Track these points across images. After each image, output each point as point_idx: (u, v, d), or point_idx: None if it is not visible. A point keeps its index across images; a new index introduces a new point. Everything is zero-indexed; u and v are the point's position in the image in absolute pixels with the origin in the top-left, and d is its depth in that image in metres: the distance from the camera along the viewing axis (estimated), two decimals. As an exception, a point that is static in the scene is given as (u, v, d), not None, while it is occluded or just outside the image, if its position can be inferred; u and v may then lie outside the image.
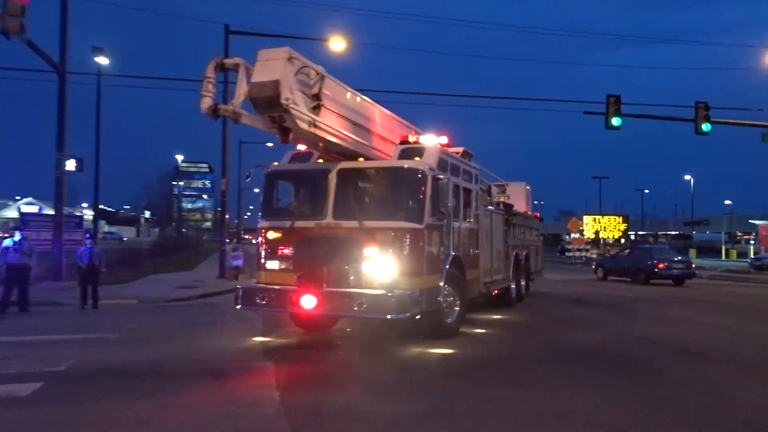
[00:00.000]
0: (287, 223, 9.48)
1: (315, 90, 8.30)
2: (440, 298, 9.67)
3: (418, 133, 11.37)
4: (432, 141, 10.44)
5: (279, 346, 9.29)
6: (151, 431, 5.27)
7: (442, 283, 9.69)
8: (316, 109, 8.32)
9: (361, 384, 7.06)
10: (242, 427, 5.37)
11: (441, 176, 9.45)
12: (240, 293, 9.22)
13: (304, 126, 8.04)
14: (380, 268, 8.79)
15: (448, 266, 9.93)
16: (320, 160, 10.07)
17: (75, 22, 20.20)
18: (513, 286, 15.54)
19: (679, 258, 26.50)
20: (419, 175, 9.27)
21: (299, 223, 9.44)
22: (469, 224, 11.52)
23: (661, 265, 24.95)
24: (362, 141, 9.48)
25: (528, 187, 20.42)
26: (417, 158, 9.64)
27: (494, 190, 18.36)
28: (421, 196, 9.17)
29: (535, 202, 21.92)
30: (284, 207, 10.01)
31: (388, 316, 8.52)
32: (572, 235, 53.95)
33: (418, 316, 9.43)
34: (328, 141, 8.85)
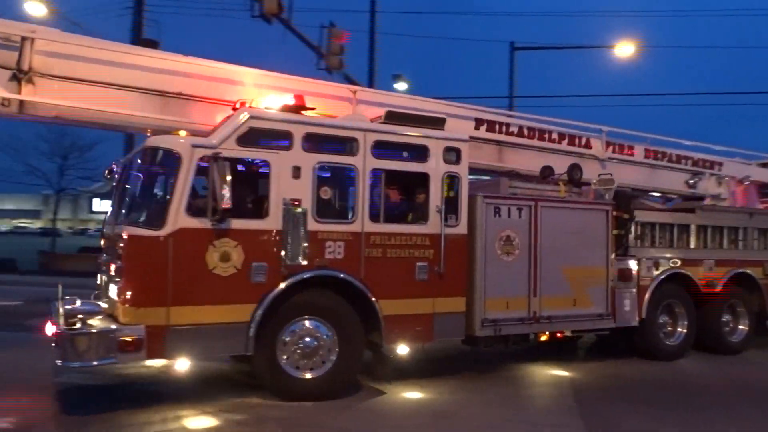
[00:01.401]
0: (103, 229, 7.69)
1: (16, 57, 6.44)
2: (251, 337, 6.34)
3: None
4: (275, 102, 6.99)
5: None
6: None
7: (250, 318, 6.34)
8: (20, 81, 6.44)
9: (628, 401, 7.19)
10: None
11: (225, 155, 6.14)
12: None
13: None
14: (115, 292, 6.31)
15: (276, 293, 6.45)
16: None
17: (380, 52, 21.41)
18: (668, 328, 9.41)
19: None
20: (169, 157, 6.25)
21: (107, 229, 7.52)
22: (413, 227, 7.31)
23: None
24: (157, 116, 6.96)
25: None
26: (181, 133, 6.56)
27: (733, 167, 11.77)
28: (173, 187, 6.16)
29: None
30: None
31: (74, 364, 5.95)
32: None
33: (185, 363, 6.42)
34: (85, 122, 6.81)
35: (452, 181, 7.56)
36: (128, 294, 6.05)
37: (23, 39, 6.47)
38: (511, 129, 9.49)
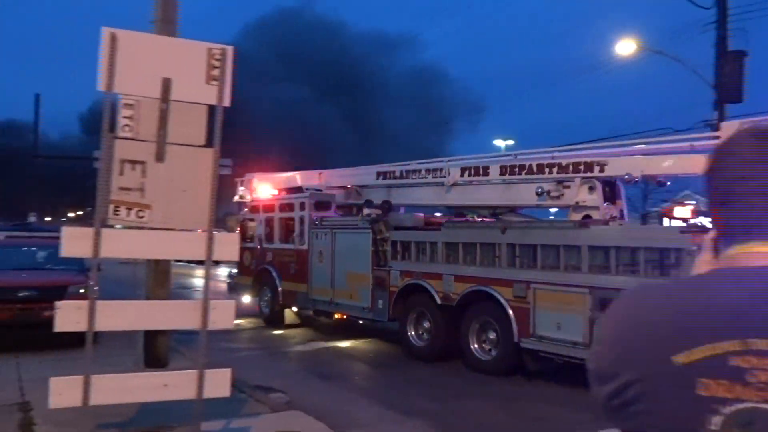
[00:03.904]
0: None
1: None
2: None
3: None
4: None
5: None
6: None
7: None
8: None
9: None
10: None
11: (246, 216, 15.97)
12: None
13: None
14: None
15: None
16: None
17: None
18: (420, 331, 10.86)
19: None
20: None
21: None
22: (291, 246, 14.31)
23: None
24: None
25: None
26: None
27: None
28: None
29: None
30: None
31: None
32: None
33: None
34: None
35: (302, 219, 13.95)
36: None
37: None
38: (397, 173, 13.20)
